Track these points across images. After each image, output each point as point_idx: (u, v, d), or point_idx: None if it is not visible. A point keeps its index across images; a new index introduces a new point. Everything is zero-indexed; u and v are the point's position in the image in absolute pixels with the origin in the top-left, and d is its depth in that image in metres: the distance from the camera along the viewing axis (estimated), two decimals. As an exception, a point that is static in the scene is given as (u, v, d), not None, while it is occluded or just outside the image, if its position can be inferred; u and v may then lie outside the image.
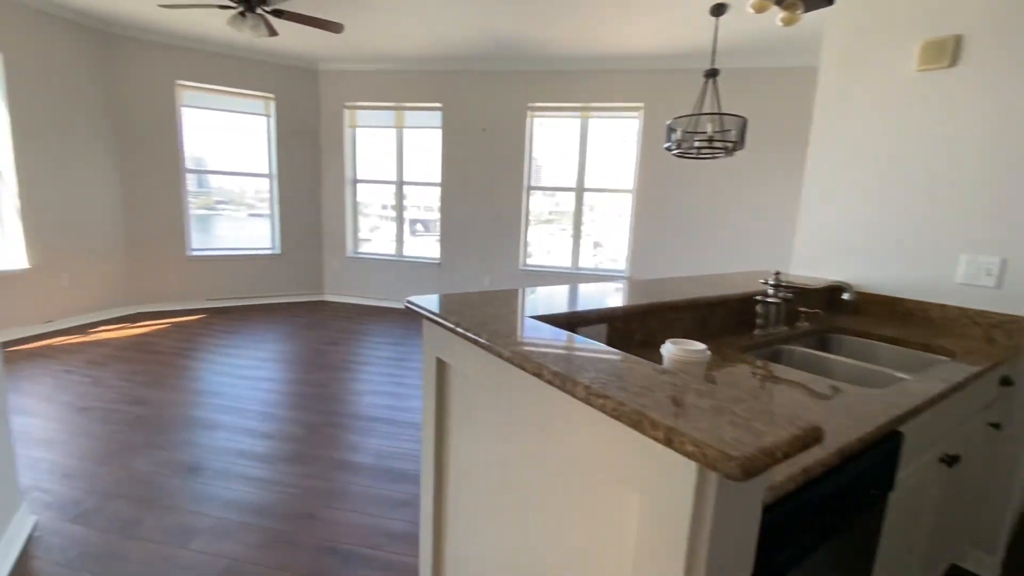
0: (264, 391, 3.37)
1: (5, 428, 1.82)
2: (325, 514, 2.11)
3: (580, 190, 5.57)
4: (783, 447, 0.61)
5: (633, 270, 5.45)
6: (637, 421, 0.65)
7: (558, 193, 5.90)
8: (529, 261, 5.82)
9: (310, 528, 2.01)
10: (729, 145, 3.50)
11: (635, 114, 5.28)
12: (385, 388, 3.52)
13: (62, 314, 4.56)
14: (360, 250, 6.31)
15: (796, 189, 4.65)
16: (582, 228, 5.65)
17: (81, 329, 4.56)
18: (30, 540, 1.85)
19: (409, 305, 1.32)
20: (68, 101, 4.47)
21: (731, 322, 1.76)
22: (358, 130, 6.04)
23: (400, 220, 6.10)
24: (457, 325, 1.10)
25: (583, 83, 5.24)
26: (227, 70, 5.34)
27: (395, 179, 6.02)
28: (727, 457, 0.56)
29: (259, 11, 3.52)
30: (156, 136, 5.11)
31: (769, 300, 1.76)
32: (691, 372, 0.89)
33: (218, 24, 4.53)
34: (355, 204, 6.19)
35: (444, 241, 5.84)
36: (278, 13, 3.60)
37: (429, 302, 1.32)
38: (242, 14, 3.47)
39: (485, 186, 5.63)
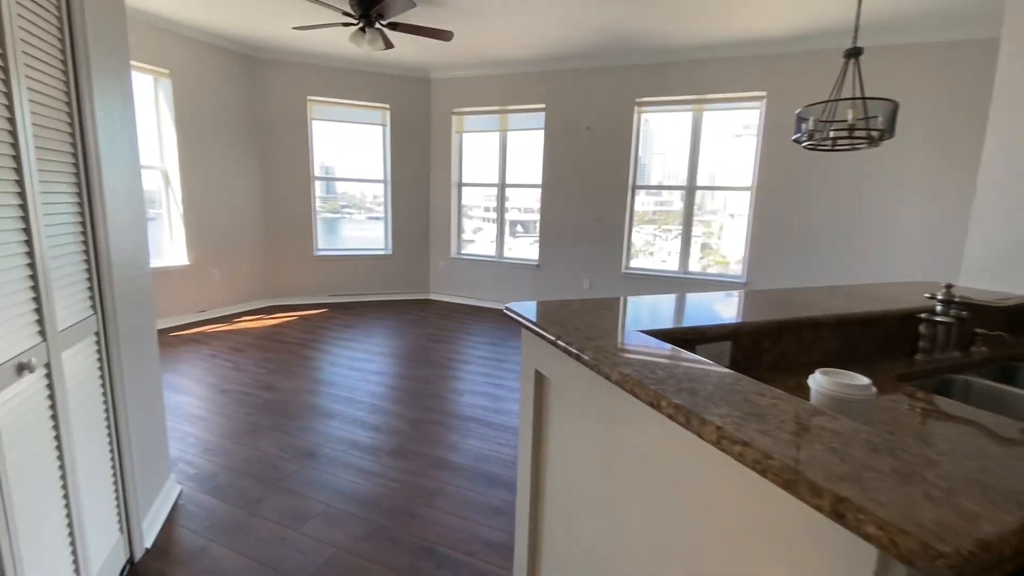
0: (374, 384, 3.56)
1: (160, 406, 2.07)
2: (424, 512, 2.14)
3: (691, 188, 5.20)
4: (1012, 541, 0.44)
5: (751, 277, 4.97)
6: (790, 481, 0.51)
7: (663, 191, 5.58)
8: (632, 264, 5.57)
9: (409, 525, 2.05)
10: (875, 134, 3.02)
11: (756, 104, 4.81)
12: (483, 388, 3.54)
13: (212, 305, 5.23)
14: (463, 251, 6.49)
15: (955, 187, 3.91)
16: (692, 229, 5.28)
17: (227, 319, 5.19)
18: (175, 507, 2.09)
19: (508, 312, 1.26)
20: (220, 118, 5.12)
21: (884, 344, 1.48)
22: (464, 135, 6.22)
23: (501, 222, 6.17)
24: (558, 338, 1.01)
25: (697, 74, 4.89)
26: (349, 84, 5.78)
27: (497, 181, 6.10)
28: (932, 552, 0.41)
29: (377, 26, 3.73)
30: (290, 147, 5.67)
31: (938, 319, 1.44)
32: (851, 414, 0.72)
33: (342, 42, 4.91)
34: (460, 207, 6.37)
35: (543, 242, 5.80)
36: (393, 26, 3.79)
37: (527, 309, 1.25)
38: (362, 29, 3.70)
39: (587, 186, 5.48)
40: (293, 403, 3.20)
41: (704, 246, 5.44)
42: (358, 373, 3.77)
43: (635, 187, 5.38)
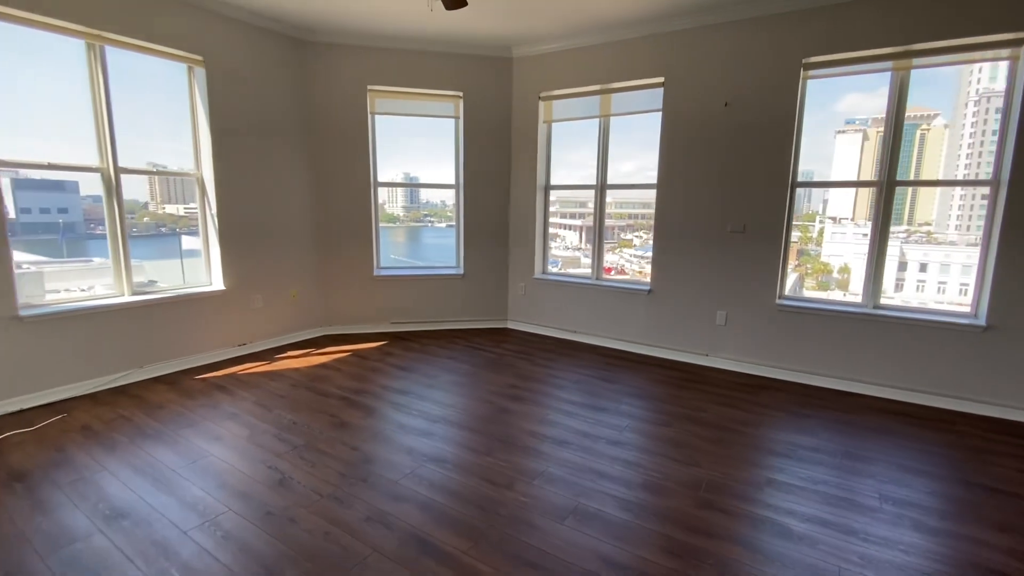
0: (425, 488, 2.38)
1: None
2: None
3: (888, 183, 3.56)
4: None
5: (996, 316, 3.24)
6: None
7: (831, 188, 3.96)
8: (791, 291, 4.00)
9: None
10: None
11: (1004, 55, 3.11)
12: (596, 504, 2.24)
13: (254, 336, 4.40)
14: (550, 271, 5.23)
15: None
16: (888, 242, 3.62)
17: (268, 354, 4.32)
18: None
19: None
20: (265, 114, 4.28)
21: None
22: (554, 126, 4.98)
23: (599, 234, 4.83)
24: None
25: (903, 14, 3.28)
26: (416, 69, 4.76)
27: (596, 182, 4.78)
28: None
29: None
30: (348, 148, 4.75)
31: None
32: None
33: (407, 17, 3.88)
34: (546, 215, 5.13)
35: (657, 260, 4.38)
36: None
37: None
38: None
39: (724, 184, 4.01)
40: (301, 523, 2.09)
41: (911, 264, 3.75)
42: (404, 460, 2.62)
43: (795, 183, 3.82)
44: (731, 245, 4.03)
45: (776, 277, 3.90)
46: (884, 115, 3.52)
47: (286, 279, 4.60)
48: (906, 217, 3.92)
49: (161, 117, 3.92)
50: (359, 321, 5.04)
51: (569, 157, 5.09)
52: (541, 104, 4.87)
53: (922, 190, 3.80)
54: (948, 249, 3.67)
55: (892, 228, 3.60)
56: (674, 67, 4.12)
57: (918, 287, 3.77)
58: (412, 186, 5.24)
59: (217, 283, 4.13)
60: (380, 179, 5.07)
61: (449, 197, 5.34)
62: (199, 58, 3.84)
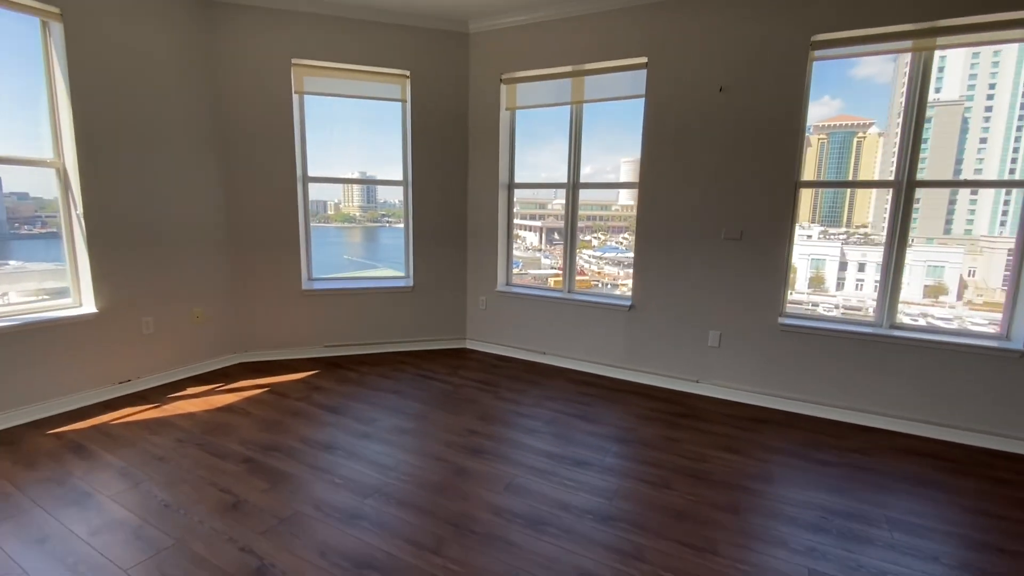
0: (342, 611, 1.62)
1: None
2: None
3: (909, 183, 3.06)
4: None
5: (1035, 338, 2.78)
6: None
7: (835, 188, 3.46)
8: (794, 306, 3.45)
9: None
10: None
11: (1055, 29, 2.65)
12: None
13: (142, 370, 3.47)
14: (515, 282, 4.53)
15: None
16: (906, 249, 3.12)
17: (160, 393, 3.41)
18: None
19: None
20: (152, 90, 3.37)
21: None
22: (519, 114, 4.29)
23: (571, 240, 4.18)
24: None
25: (933, -17, 2.77)
26: (353, 40, 3.95)
27: (567, 179, 4.12)
28: None
29: None
30: (269, 134, 3.88)
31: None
32: None
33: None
34: (510, 218, 4.43)
35: (640, 272, 3.76)
36: None
37: None
38: None
39: (718, 182, 3.42)
40: None
41: (930, 271, 3.27)
42: (315, 569, 1.85)
43: (799, 183, 3.28)
44: (726, 254, 3.46)
45: (778, 291, 3.34)
46: (905, 98, 3.01)
47: (187, 297, 3.69)
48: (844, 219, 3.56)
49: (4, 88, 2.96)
50: (284, 345, 4.17)
51: (536, 151, 4.41)
52: (503, 88, 4.16)
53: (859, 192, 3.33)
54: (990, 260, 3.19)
55: (912, 231, 3.11)
56: (660, 45, 3.50)
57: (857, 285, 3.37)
58: (349, 182, 4.42)
59: (87, 304, 3.19)
60: (311, 172, 4.23)
61: (398, 196, 4.56)
62: (55, 10, 2.91)
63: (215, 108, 3.72)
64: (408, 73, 4.12)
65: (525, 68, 4.02)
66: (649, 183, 3.65)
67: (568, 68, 3.88)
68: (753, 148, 3.29)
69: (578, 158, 4.06)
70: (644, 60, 3.58)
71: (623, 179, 4.17)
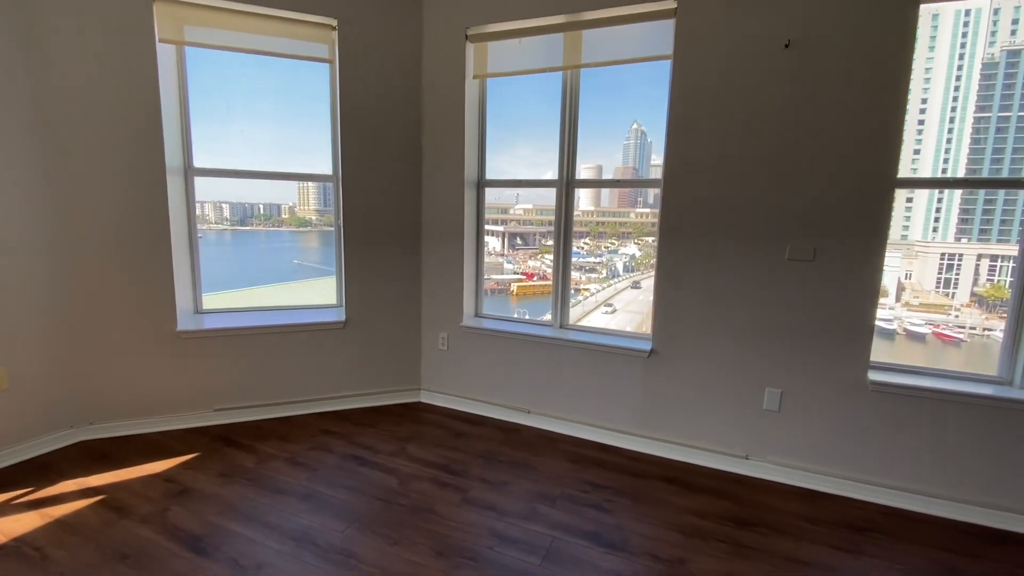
0: None
1: None
2: None
3: (1062, 184, 2.11)
4: None
5: None
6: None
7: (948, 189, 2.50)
8: (884, 354, 2.45)
9: None
10: None
11: None
12: None
13: None
14: (487, 313, 3.38)
15: None
16: (1056, 283, 2.18)
17: (-94, 517, 2.07)
18: None
19: None
20: None
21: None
22: (490, 84, 3.16)
23: (563, 254, 3.07)
24: None
25: None
26: (248, -30, 2.72)
27: (557, 175, 3.01)
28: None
29: None
30: (120, 104, 2.59)
31: None
32: None
33: None
34: (480, 227, 3.28)
35: (665, 302, 2.68)
36: None
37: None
38: None
39: (778, 179, 2.39)
40: None
41: None
42: None
43: (896, 180, 2.27)
44: (791, 281, 2.43)
45: (867, 335, 2.34)
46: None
47: (3, 349, 2.36)
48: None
49: None
50: (151, 412, 2.86)
51: (513, 136, 3.29)
52: (470, 48, 3.02)
53: None
54: None
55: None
56: (696, -19, 2.45)
57: None
58: (251, 176, 3.15)
59: None
60: (197, 163, 2.97)
61: (307, 196, 3.35)
62: None
63: (29, 61, 2.40)
64: (335, 23, 2.92)
65: (500, 19, 2.89)
66: (677, 181, 2.58)
67: (560, 18, 2.77)
68: (831, 130, 2.28)
69: (572, 145, 2.96)
70: (672, 5, 2.51)
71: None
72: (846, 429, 2.41)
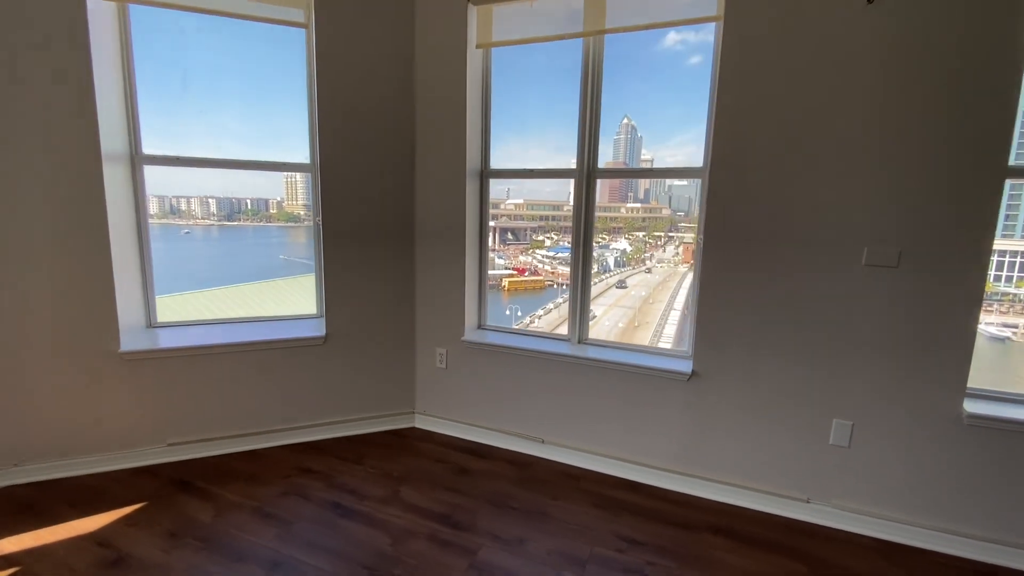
0: None
1: None
2: None
3: None
4: None
5: None
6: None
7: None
8: (983, 379, 2.02)
9: None
10: None
11: None
12: None
13: None
14: (491, 325, 2.92)
15: None
16: None
17: None
18: None
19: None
20: None
21: None
22: (495, 54, 2.68)
23: (583, 262, 2.62)
24: None
25: None
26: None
27: (577, 163, 2.55)
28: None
29: None
30: (43, 85, 2.09)
31: None
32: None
33: None
34: (484, 225, 2.82)
35: (706, 317, 2.23)
36: None
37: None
38: None
39: (857, 166, 1.95)
40: None
41: None
42: None
43: (1008, 168, 1.84)
44: (867, 291, 1.99)
45: (965, 358, 1.91)
46: None
47: None
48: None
49: None
50: (92, 449, 2.38)
51: (524, 119, 2.83)
52: (472, 11, 2.54)
53: None
54: None
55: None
56: (754, -78, 1.99)
57: None
58: (214, 165, 2.65)
59: None
60: (147, 149, 2.48)
61: (277, 188, 2.88)
62: None
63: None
64: (310, -20, 2.43)
65: (509, -24, 2.42)
66: (726, 171, 2.13)
67: (583, -26, 2.30)
68: (927, 104, 1.84)
69: (594, 129, 2.50)
70: (722, -47, 2.06)
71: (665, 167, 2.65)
72: (934, 470, 1.99)
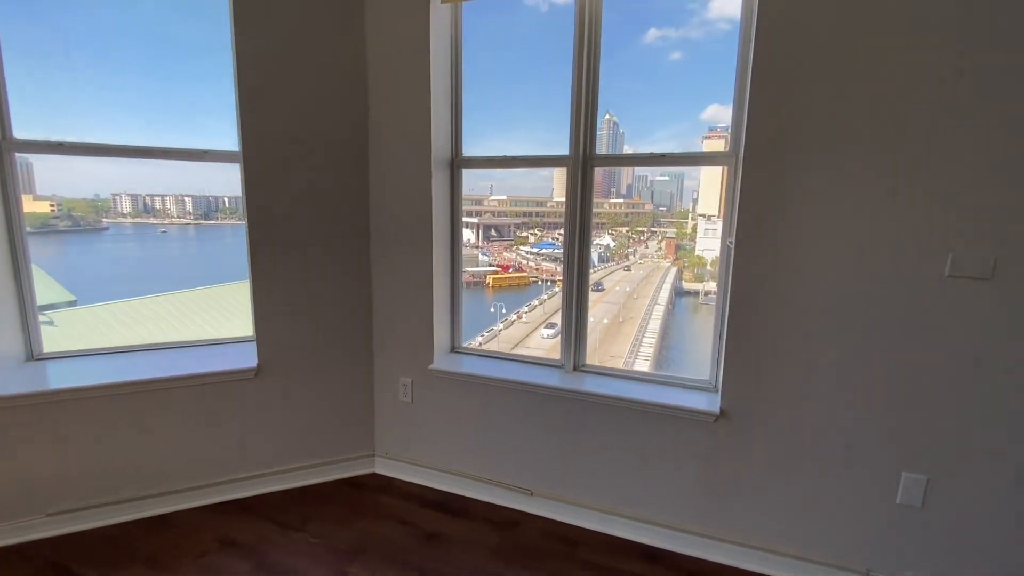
0: None
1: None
2: None
3: None
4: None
5: None
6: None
7: None
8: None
9: None
10: None
11: None
12: None
13: None
14: (470, 347, 2.41)
15: None
16: None
17: None
18: None
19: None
20: None
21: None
22: (467, 12, 2.16)
23: (578, 271, 2.12)
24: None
25: None
26: None
27: (569, 149, 2.04)
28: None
29: None
30: None
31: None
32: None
33: None
34: (456, 225, 2.30)
35: (735, 341, 1.76)
36: None
37: None
38: None
39: (931, 159, 1.48)
40: None
41: None
42: None
43: None
44: (950, 309, 1.53)
45: (1080, 396, 1.47)
46: None
47: None
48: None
49: None
50: (-62, 527, 1.80)
51: (499, 97, 2.33)
52: (435, -42, 2.01)
53: None
54: None
55: None
56: None
57: None
58: (95, 152, 2.07)
59: None
60: (19, 133, 1.91)
61: (195, 181, 2.35)
62: None
63: None
64: (224, -89, 1.87)
65: (482, -91, 1.90)
66: (761, 157, 1.65)
67: (577, -97, 1.80)
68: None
69: (591, 106, 2.00)
70: None
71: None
72: (1035, 539, 1.55)
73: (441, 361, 2.26)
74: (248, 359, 2.15)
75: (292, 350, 2.20)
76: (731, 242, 1.78)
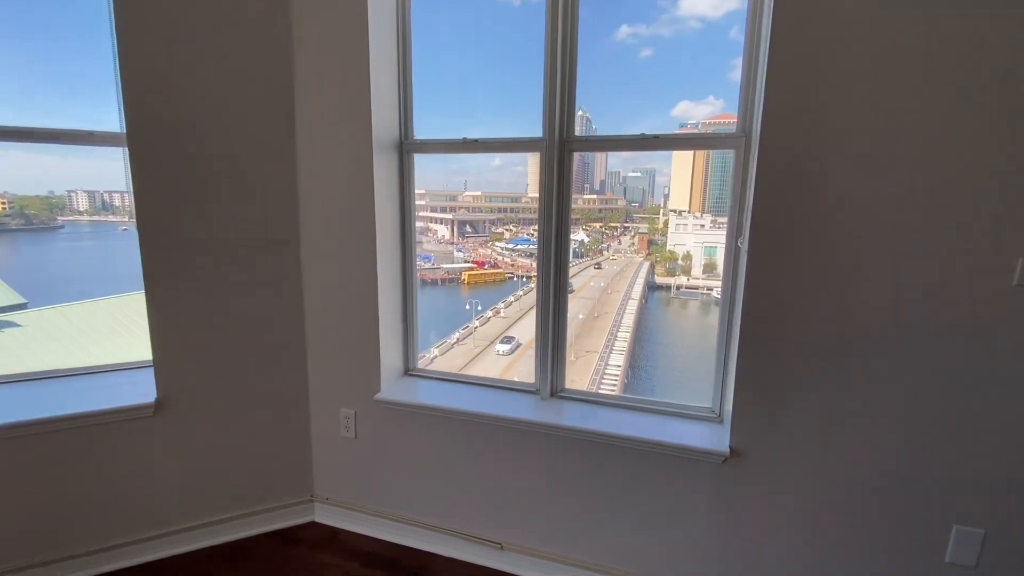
0: None
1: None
2: None
3: None
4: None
5: None
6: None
7: None
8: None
9: None
10: None
11: None
12: None
13: None
14: (428, 368, 2.02)
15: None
16: None
17: None
18: None
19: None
20: None
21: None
22: (428, 5, 1.76)
23: (556, 278, 1.75)
24: None
25: None
26: None
27: (543, 131, 1.66)
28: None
29: None
30: None
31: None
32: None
33: None
34: (407, 223, 1.90)
35: (747, 365, 1.42)
36: None
37: None
38: None
39: (1003, 123, 1.16)
40: None
41: None
42: None
43: None
44: (1018, 328, 1.22)
45: None
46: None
47: None
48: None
49: None
50: None
51: (456, 73, 1.95)
52: None
53: None
54: None
55: None
56: None
57: None
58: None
59: None
60: None
61: (72, 173, 1.92)
62: None
63: None
64: None
65: None
66: (786, 139, 1.31)
67: None
68: None
69: (570, 80, 1.63)
70: None
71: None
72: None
73: (391, 389, 1.86)
74: (145, 396, 1.72)
75: (204, 379, 1.77)
76: (742, 242, 1.44)
